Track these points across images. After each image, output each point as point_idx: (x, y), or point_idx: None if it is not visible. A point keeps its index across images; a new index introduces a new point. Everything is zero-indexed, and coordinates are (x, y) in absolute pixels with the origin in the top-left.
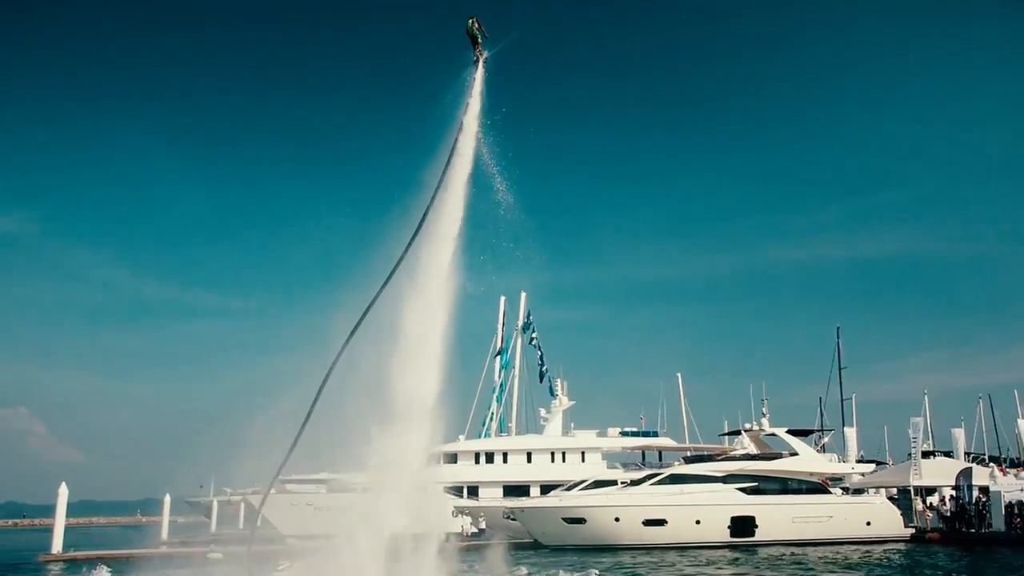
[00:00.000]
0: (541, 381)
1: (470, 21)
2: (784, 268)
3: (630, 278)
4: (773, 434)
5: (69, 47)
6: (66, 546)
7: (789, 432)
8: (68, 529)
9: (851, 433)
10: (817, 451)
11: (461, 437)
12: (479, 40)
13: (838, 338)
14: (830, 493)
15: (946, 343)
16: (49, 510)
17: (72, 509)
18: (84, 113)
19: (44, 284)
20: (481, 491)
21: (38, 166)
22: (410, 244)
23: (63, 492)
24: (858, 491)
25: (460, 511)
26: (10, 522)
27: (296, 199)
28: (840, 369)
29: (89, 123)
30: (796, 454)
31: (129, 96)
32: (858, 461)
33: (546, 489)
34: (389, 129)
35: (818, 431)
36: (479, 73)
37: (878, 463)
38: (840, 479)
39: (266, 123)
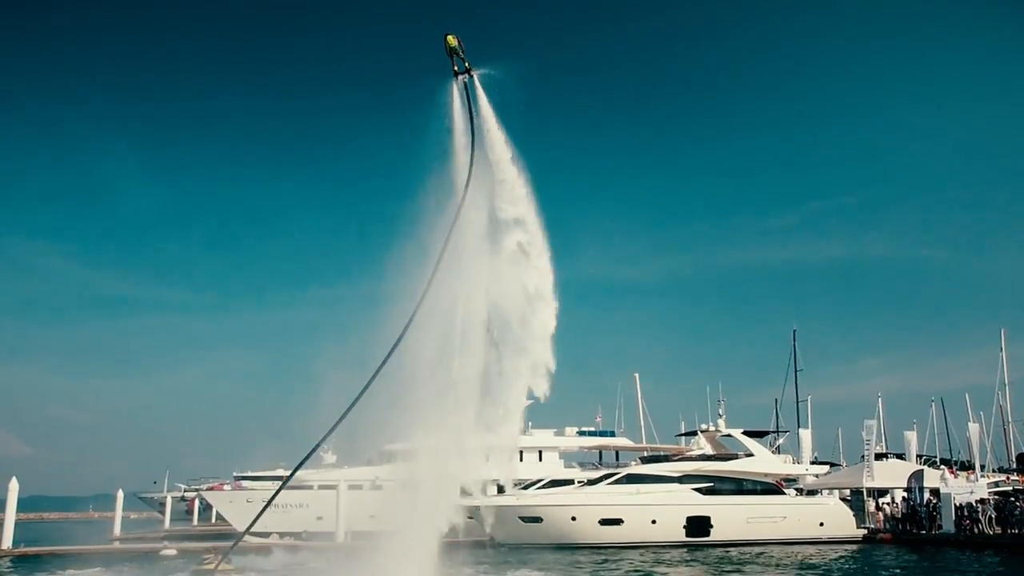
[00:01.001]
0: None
1: (449, 38)
2: (741, 270)
3: (586, 277)
4: (729, 435)
5: (20, 32)
6: (15, 541)
7: (745, 433)
8: (18, 524)
9: (806, 435)
10: (772, 452)
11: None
12: (459, 56)
13: (794, 340)
14: (784, 494)
15: (900, 347)
16: None
17: (22, 504)
18: (36, 102)
19: None
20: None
21: None
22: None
23: (13, 487)
24: (812, 492)
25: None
26: None
27: (251, 193)
28: (796, 371)
29: (40, 112)
30: (751, 455)
31: (82, 85)
32: (812, 462)
33: (503, 488)
34: (354, 122)
35: (773, 432)
36: (456, 93)
37: (832, 464)
38: (795, 480)
39: (224, 116)
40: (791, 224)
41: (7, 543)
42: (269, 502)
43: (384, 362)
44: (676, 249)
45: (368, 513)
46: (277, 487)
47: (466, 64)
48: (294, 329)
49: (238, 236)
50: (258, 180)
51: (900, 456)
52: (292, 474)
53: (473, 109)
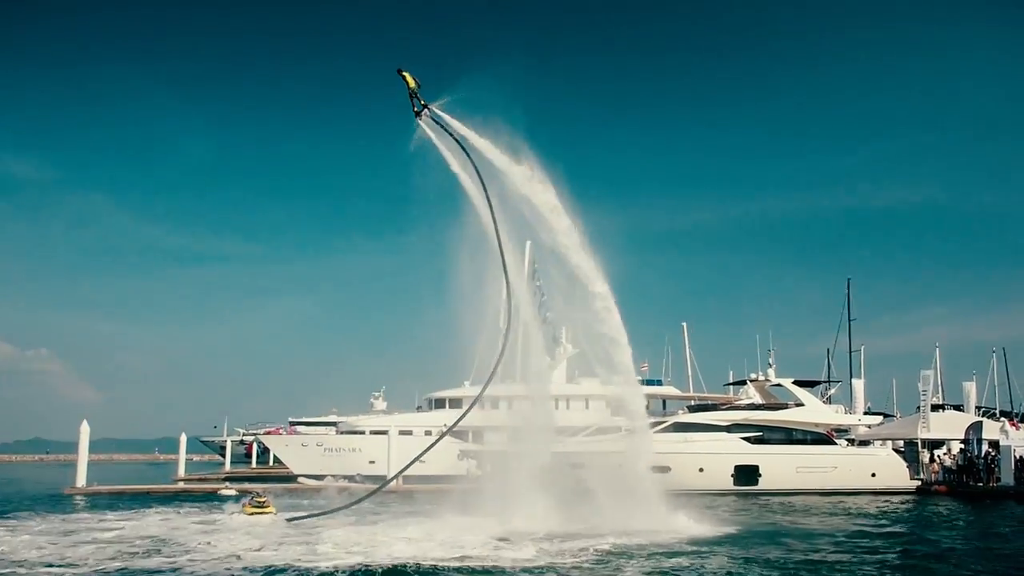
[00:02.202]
0: (545, 328)
1: (407, 77)
2: (795, 217)
3: (635, 226)
4: (779, 384)
5: None
6: (89, 480)
7: (795, 383)
8: (90, 465)
9: (859, 385)
10: (823, 402)
11: (466, 382)
12: (416, 97)
13: (848, 289)
14: (835, 444)
15: (959, 295)
16: (72, 446)
17: (93, 446)
18: (91, 60)
19: (58, 229)
20: (486, 435)
21: (49, 113)
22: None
23: (85, 430)
24: (864, 443)
25: (465, 455)
26: (36, 457)
27: (300, 143)
28: (849, 320)
29: (98, 70)
30: (802, 405)
31: (137, 43)
32: (865, 413)
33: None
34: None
35: (825, 382)
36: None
37: (885, 415)
38: (846, 431)
39: (277, 71)
40: (848, 169)
41: (81, 482)
42: (422, 454)
43: (504, 347)
44: (728, 196)
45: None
46: (328, 432)
47: (422, 102)
48: (344, 278)
49: (289, 187)
50: (310, 132)
51: (958, 407)
52: (443, 436)
53: (454, 136)
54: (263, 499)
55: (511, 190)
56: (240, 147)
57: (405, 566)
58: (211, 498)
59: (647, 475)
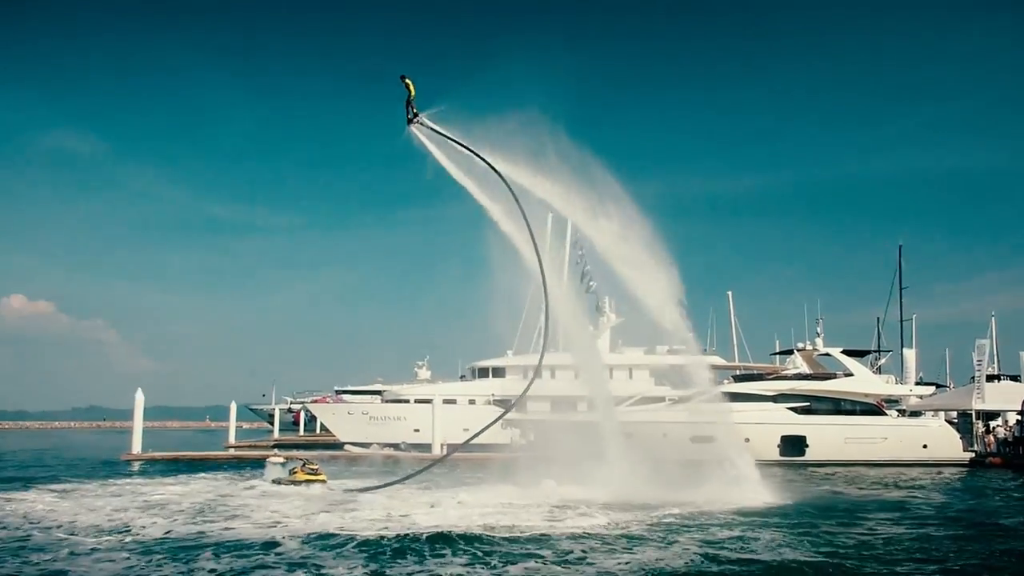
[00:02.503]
0: (587, 294)
1: (409, 83)
2: (845, 182)
3: (679, 192)
4: (827, 354)
5: None
6: (144, 447)
7: (844, 352)
8: (145, 432)
9: (910, 355)
10: (873, 372)
11: (509, 352)
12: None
13: (900, 256)
14: (885, 415)
15: (1017, 263)
16: (127, 414)
17: (147, 414)
18: (141, 36)
19: (111, 201)
20: (529, 405)
21: (103, 89)
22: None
23: (139, 398)
24: (915, 414)
25: (509, 424)
26: (94, 424)
27: (346, 115)
28: (901, 289)
29: (149, 45)
30: (851, 375)
31: (182, 16)
32: (916, 383)
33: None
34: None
35: (875, 352)
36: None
37: (938, 386)
38: (897, 401)
39: (316, 39)
40: (900, 133)
41: (136, 448)
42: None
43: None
44: (776, 161)
45: (463, 426)
46: (373, 401)
47: (414, 110)
48: (388, 248)
49: (334, 159)
50: (356, 104)
51: (1014, 378)
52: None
53: (453, 142)
54: (315, 466)
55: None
56: (287, 120)
57: (450, 533)
58: (260, 465)
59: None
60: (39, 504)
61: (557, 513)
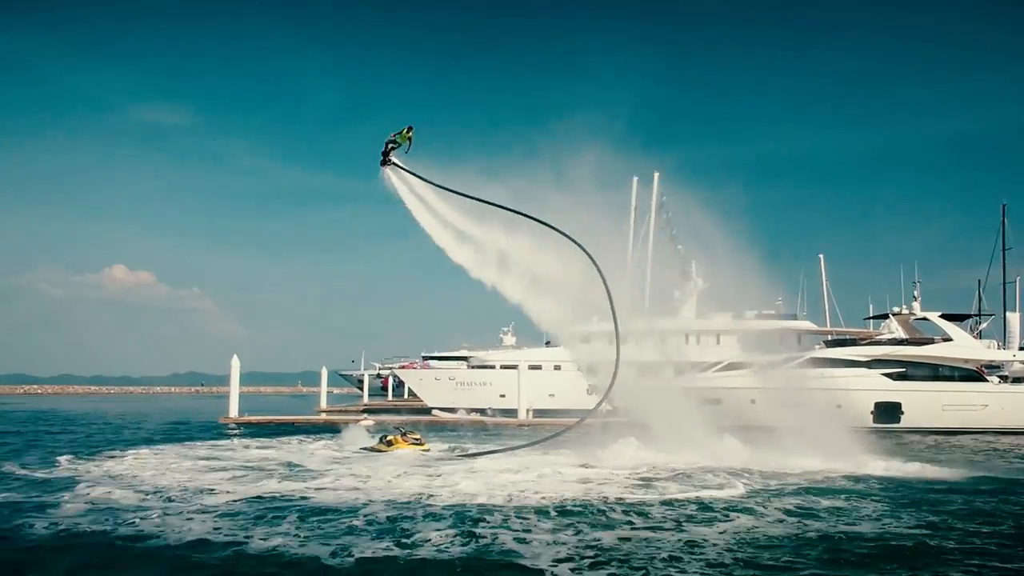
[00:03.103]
0: (674, 263)
1: (406, 130)
2: (942, 140)
3: (770, 153)
4: (924, 318)
5: None
6: (241, 411)
7: (943, 317)
8: (241, 396)
9: (1013, 318)
10: (973, 337)
11: (595, 317)
12: (397, 146)
13: (1003, 216)
14: (986, 381)
15: None
16: (223, 379)
17: (242, 379)
18: (226, 10)
19: (202, 173)
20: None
21: (192, 61)
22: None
23: (235, 364)
24: (1018, 380)
25: (594, 389)
26: (192, 389)
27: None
28: (1004, 250)
29: (238, 20)
30: (950, 339)
31: None
32: (1020, 348)
33: (680, 370)
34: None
35: (975, 316)
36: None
37: None
38: (998, 367)
39: (396, 9)
40: (1001, 84)
41: (233, 412)
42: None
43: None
44: (869, 120)
45: (548, 392)
46: (459, 367)
47: (390, 159)
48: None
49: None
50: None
51: None
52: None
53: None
54: (417, 435)
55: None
56: (368, 90)
57: (536, 500)
58: (351, 429)
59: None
60: (137, 465)
61: (646, 479)
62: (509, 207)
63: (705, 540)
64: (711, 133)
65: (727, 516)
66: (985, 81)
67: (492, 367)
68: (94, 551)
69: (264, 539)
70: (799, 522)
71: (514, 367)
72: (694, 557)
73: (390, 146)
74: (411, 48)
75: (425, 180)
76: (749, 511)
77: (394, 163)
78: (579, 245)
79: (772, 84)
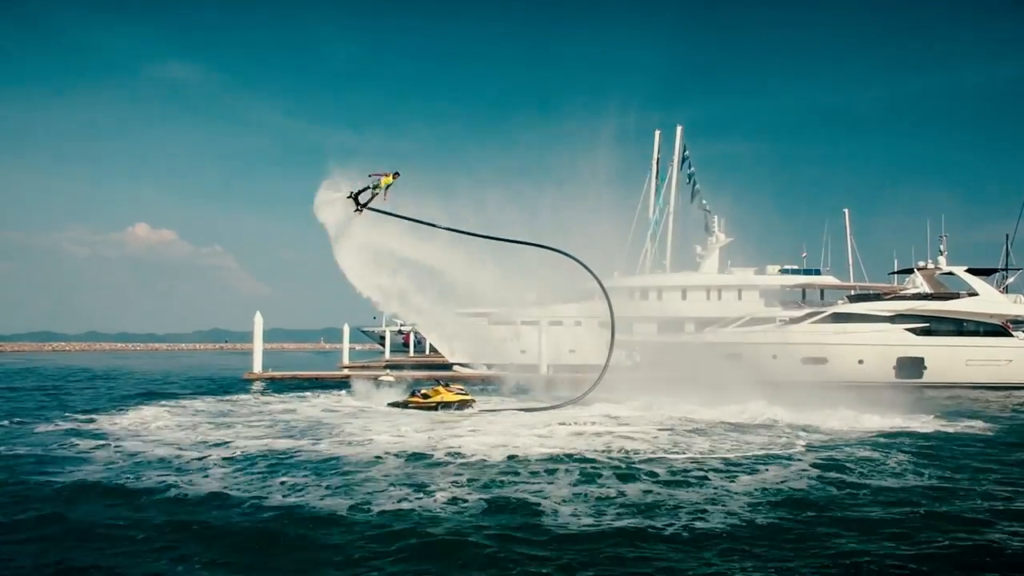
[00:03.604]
0: (699, 215)
1: (392, 175)
2: (968, 92)
3: (794, 107)
4: (950, 273)
5: None
6: (264, 366)
7: (968, 271)
8: (264, 353)
9: None
10: (1000, 292)
11: (616, 273)
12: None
13: None
14: (1012, 336)
15: None
16: (247, 336)
17: (265, 336)
18: None
19: (223, 130)
20: (636, 326)
21: (212, 19)
22: None
23: (259, 320)
24: None
25: (616, 345)
26: (217, 346)
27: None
28: None
29: None
30: (975, 294)
31: None
32: None
33: (701, 326)
34: None
35: (1002, 270)
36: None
37: None
38: None
39: None
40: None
41: (257, 368)
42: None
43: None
44: (893, 72)
45: (569, 347)
46: (481, 323)
47: (361, 205)
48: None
49: (431, 87)
50: (453, 31)
51: None
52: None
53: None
54: (462, 387)
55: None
56: (387, 48)
57: (558, 455)
58: (373, 384)
59: None
60: (162, 418)
61: (670, 432)
62: (501, 237)
63: (729, 494)
64: (735, 87)
65: (753, 470)
66: (1017, 28)
67: (514, 323)
68: (112, 503)
69: (284, 493)
70: (831, 476)
71: (535, 323)
72: (719, 510)
73: (372, 192)
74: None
75: (409, 219)
76: (777, 462)
77: (370, 208)
78: (578, 261)
79: (798, 36)
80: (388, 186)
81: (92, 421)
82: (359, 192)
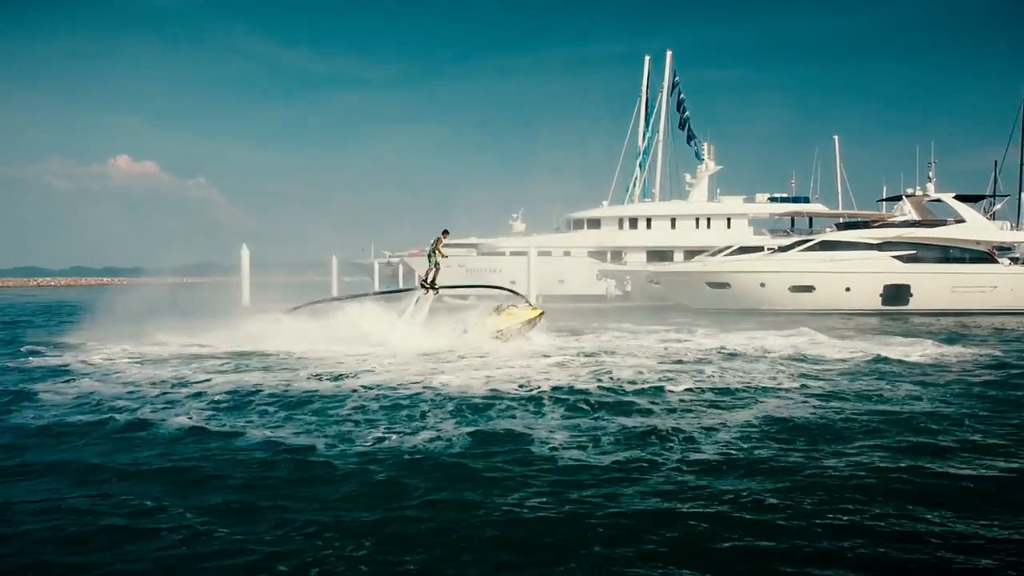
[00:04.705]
0: (689, 144)
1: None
2: (960, 12)
3: (784, 32)
4: (938, 200)
5: None
6: (253, 300)
7: (956, 198)
8: (252, 285)
9: None
10: (987, 219)
11: (605, 202)
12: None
13: (1022, 96)
14: (997, 263)
15: None
16: (235, 269)
17: (252, 269)
18: None
19: (204, 58)
20: (625, 256)
21: None
22: None
23: (245, 253)
24: None
25: (604, 275)
26: (205, 279)
27: None
28: (1023, 130)
29: None
30: (962, 221)
31: None
32: None
33: (690, 255)
34: None
35: (990, 197)
36: None
37: None
38: (1010, 248)
39: None
40: None
41: (246, 300)
42: None
43: None
44: None
45: (558, 278)
46: (469, 254)
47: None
48: (479, 101)
49: (424, 9)
50: None
51: None
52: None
53: None
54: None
55: None
56: None
57: (539, 387)
58: None
59: None
60: (143, 351)
61: (660, 362)
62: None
63: (724, 424)
64: (724, 11)
65: (750, 402)
66: None
67: (502, 254)
68: (85, 438)
69: (260, 428)
70: (826, 404)
71: (523, 253)
72: (710, 439)
73: (435, 266)
74: None
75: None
76: (773, 393)
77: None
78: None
79: None
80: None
81: (69, 353)
82: (425, 279)
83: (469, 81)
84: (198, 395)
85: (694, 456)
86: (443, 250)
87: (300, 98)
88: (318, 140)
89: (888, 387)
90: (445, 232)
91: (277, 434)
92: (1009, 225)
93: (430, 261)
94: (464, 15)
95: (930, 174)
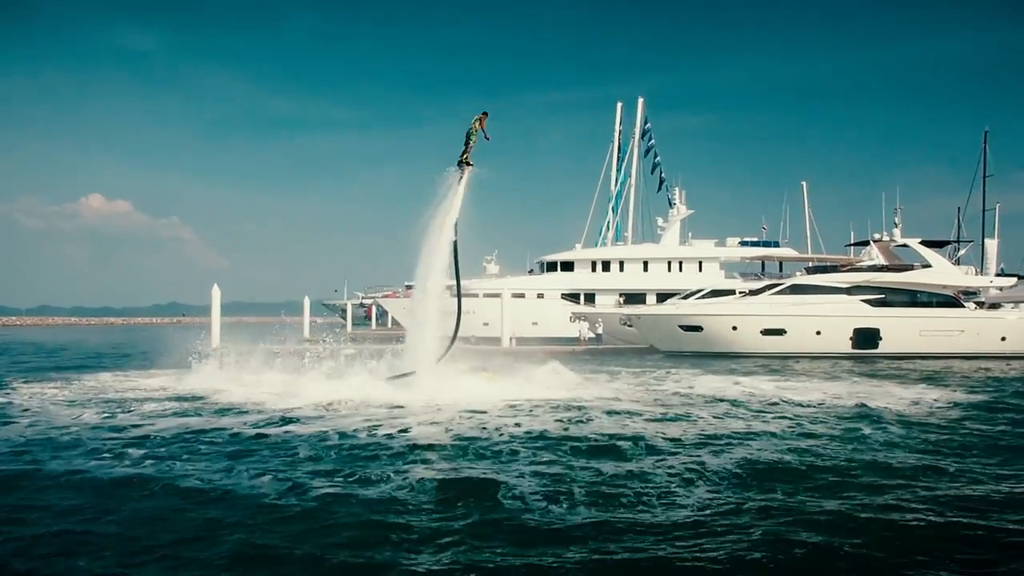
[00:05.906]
0: (659, 190)
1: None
2: (924, 65)
3: (753, 79)
4: (905, 245)
5: None
6: (223, 341)
7: (923, 243)
8: (223, 327)
9: (992, 245)
10: (952, 263)
11: (578, 245)
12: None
13: (984, 143)
14: (963, 307)
15: None
16: (206, 310)
17: (224, 309)
18: None
19: (178, 100)
20: (598, 298)
21: None
22: None
23: (216, 292)
24: (995, 306)
25: (577, 317)
26: (175, 319)
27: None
28: (984, 177)
29: None
30: (929, 266)
31: None
32: (998, 275)
33: (662, 298)
34: None
35: (954, 242)
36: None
37: (1020, 278)
38: (975, 293)
39: None
40: (987, 6)
41: (215, 342)
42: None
43: None
44: (849, 43)
45: (531, 320)
46: (447, 294)
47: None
48: (451, 145)
49: (396, 53)
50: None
51: None
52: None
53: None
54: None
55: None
56: (350, 14)
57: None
58: (335, 357)
59: None
60: (101, 388)
61: (634, 404)
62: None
63: (701, 470)
64: (695, 60)
65: (726, 447)
66: (968, 3)
67: (475, 295)
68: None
69: (219, 473)
70: (796, 448)
71: (497, 295)
72: (687, 488)
73: (470, 145)
74: None
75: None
76: (754, 437)
77: (470, 165)
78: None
79: (756, 10)
80: (482, 130)
81: (22, 391)
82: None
83: (444, 125)
84: (140, 439)
85: (668, 505)
86: (479, 127)
87: (271, 138)
88: (290, 180)
89: (868, 431)
90: (485, 113)
91: (222, 479)
92: (973, 270)
93: (469, 140)
94: (438, 60)
95: (896, 219)
